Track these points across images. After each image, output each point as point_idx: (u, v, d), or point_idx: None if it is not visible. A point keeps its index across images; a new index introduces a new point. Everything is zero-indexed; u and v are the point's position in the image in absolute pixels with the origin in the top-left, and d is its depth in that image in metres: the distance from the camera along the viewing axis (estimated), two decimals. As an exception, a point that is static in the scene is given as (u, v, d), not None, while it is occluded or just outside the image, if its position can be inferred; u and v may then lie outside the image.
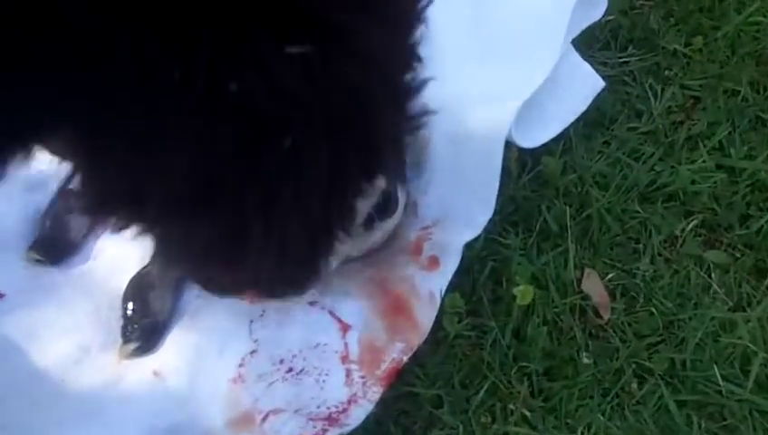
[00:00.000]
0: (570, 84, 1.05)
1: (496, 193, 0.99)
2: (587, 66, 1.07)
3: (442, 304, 0.95)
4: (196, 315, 0.97)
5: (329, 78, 0.52)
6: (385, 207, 0.94)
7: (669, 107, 1.10)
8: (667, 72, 1.13)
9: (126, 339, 0.95)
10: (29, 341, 0.96)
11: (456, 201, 1.01)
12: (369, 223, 0.92)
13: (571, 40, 1.08)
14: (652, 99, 1.10)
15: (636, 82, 1.12)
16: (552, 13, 1.06)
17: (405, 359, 0.92)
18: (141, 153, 0.52)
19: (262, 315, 0.96)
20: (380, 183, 0.93)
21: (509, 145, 1.02)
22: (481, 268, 0.98)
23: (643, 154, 1.06)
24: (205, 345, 0.95)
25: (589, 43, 1.13)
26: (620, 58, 1.13)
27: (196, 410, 0.91)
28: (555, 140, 1.05)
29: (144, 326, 0.96)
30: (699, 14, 1.16)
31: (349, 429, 0.89)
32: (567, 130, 1.06)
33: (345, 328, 0.95)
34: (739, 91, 1.10)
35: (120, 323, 0.96)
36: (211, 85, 0.49)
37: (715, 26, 1.15)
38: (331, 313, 0.96)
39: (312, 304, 0.97)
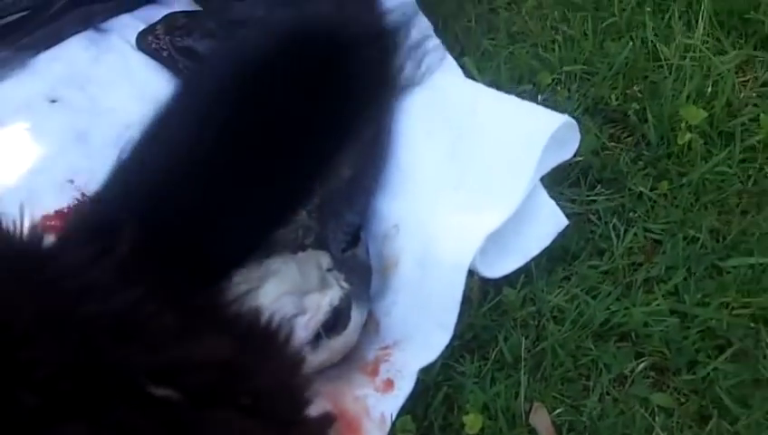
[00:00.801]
0: (534, 220, 1.10)
1: (455, 319, 1.04)
2: (552, 204, 1.12)
3: (393, 427, 0.98)
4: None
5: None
6: (334, 324, 0.98)
7: (631, 248, 1.15)
8: (631, 214, 1.18)
9: None
10: None
11: (416, 324, 1.06)
12: (316, 341, 0.96)
13: (540, 177, 1.13)
14: (614, 239, 1.15)
15: (600, 221, 1.17)
16: (523, 150, 1.11)
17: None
18: None
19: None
20: (328, 300, 0.97)
21: (471, 273, 1.06)
22: (435, 393, 1.02)
23: (600, 292, 1.10)
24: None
25: (559, 180, 1.19)
26: (588, 196, 1.19)
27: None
28: (517, 272, 1.10)
29: None
30: (667, 159, 1.22)
31: None
32: (529, 262, 1.11)
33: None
34: (699, 238, 1.15)
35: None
36: None
37: (682, 172, 1.21)
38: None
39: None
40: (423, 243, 1.10)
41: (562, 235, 1.13)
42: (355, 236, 1.08)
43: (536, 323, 1.08)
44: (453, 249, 1.07)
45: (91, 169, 1.14)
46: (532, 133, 1.12)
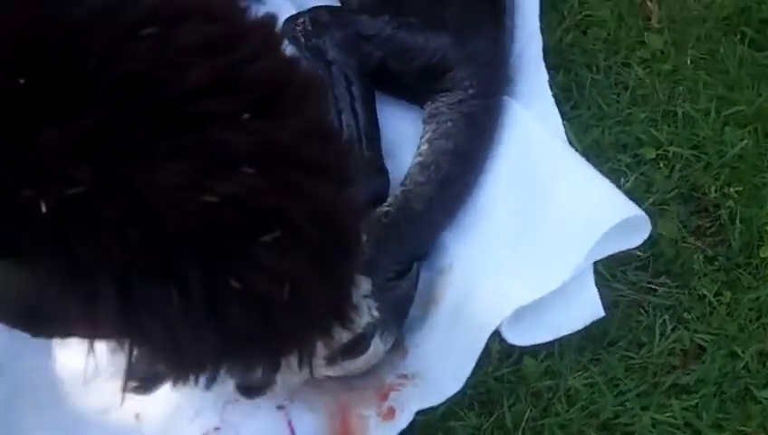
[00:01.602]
0: (572, 302, 1.13)
1: (468, 374, 1.09)
2: (594, 292, 1.13)
3: (380, 458, 1.07)
4: (189, 379, 1.14)
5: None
6: (351, 349, 1.06)
7: (672, 348, 1.15)
8: (685, 314, 1.17)
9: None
10: (61, 348, 1.16)
11: (434, 366, 1.12)
12: (332, 359, 1.04)
13: (593, 261, 1.15)
14: (658, 336, 1.15)
15: (651, 313, 1.17)
16: (585, 231, 1.13)
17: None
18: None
19: (237, 401, 1.11)
20: (351, 329, 1.05)
21: (497, 332, 1.11)
22: (430, 434, 1.09)
23: (621, 386, 1.12)
24: (184, 406, 1.12)
25: (626, 259, 1.20)
26: (649, 284, 1.19)
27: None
28: (546, 343, 1.13)
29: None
30: (742, 269, 1.20)
31: None
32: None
33: (294, 443, 1.09)
34: (743, 358, 1.14)
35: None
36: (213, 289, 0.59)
37: (752, 287, 1.18)
38: (290, 423, 1.10)
39: (279, 407, 1.11)
40: (466, 291, 1.15)
41: (607, 317, 1.15)
42: (407, 267, 1.15)
43: (548, 397, 1.11)
44: (486, 308, 1.12)
45: None
46: (599, 217, 1.13)
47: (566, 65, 1.35)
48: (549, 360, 1.13)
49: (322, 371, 1.06)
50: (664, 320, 1.17)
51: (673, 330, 1.16)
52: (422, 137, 1.23)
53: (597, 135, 1.28)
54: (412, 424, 1.08)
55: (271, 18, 0.64)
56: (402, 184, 1.20)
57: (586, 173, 1.19)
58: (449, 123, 1.22)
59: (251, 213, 0.57)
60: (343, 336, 1.05)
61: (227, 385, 1.10)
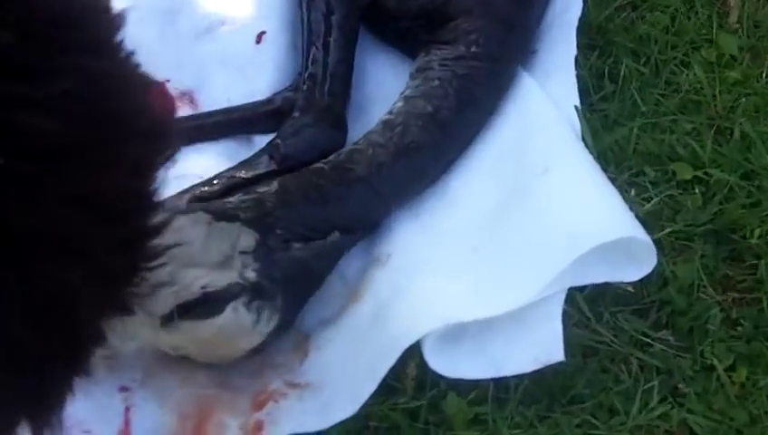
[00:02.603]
0: (527, 333, 0.84)
1: (366, 397, 0.82)
2: (557, 328, 0.84)
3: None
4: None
5: None
6: (192, 309, 0.80)
7: (655, 426, 0.86)
8: (680, 386, 0.87)
9: None
10: None
11: (332, 378, 0.85)
12: (168, 319, 0.79)
13: (571, 286, 0.86)
14: (637, 404, 0.86)
15: (636, 375, 0.87)
16: (567, 245, 0.85)
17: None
18: None
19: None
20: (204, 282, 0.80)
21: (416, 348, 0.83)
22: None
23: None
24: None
25: (622, 300, 0.90)
26: (644, 337, 0.89)
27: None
28: (484, 381, 0.85)
29: None
30: (766, 341, 0.89)
31: None
32: (505, 377, 0.85)
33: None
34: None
35: None
36: None
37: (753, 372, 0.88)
38: (127, 410, 0.85)
39: (122, 389, 0.85)
40: (395, 290, 0.88)
41: (575, 367, 0.86)
42: (322, 236, 0.88)
43: (470, 451, 0.83)
44: (412, 314, 0.85)
45: None
46: (589, 229, 0.85)
47: (607, 48, 1.07)
48: (482, 405, 0.85)
49: (164, 337, 0.81)
50: (652, 386, 0.87)
51: (661, 402, 0.86)
52: (401, 93, 0.96)
53: (622, 136, 0.99)
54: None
55: None
56: (354, 142, 0.94)
57: (589, 175, 0.90)
58: (435, 82, 0.95)
59: None
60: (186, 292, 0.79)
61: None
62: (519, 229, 0.88)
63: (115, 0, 1.07)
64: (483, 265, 0.87)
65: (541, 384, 0.86)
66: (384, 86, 1.02)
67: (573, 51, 1.02)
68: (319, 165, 0.90)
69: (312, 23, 0.99)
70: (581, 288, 0.88)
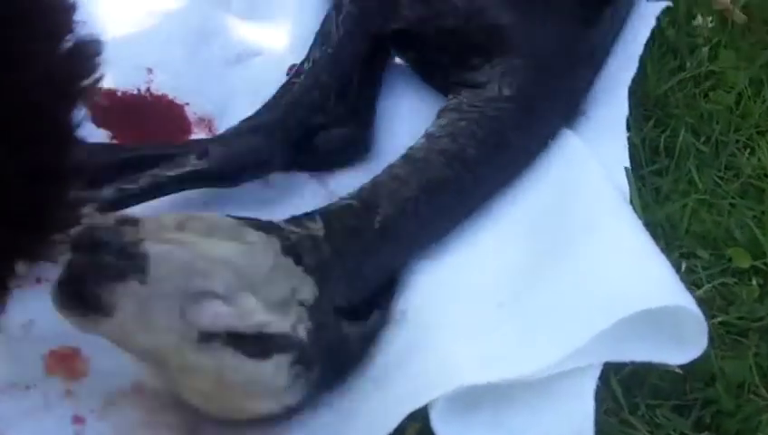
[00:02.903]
0: (553, 410, 0.71)
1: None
2: (589, 406, 0.72)
3: None
4: None
5: None
6: (246, 339, 0.68)
7: None
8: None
9: None
10: None
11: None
12: (208, 339, 0.67)
13: (611, 359, 0.74)
14: None
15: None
16: (607, 303, 0.73)
17: None
18: None
19: (27, 388, 0.74)
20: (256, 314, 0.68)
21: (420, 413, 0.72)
22: None
23: None
24: None
25: (663, 393, 0.79)
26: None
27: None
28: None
29: None
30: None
31: None
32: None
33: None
34: None
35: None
36: None
37: None
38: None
39: (76, 419, 0.74)
40: (406, 351, 0.77)
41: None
42: (362, 306, 0.77)
43: None
44: (422, 376, 0.73)
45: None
46: (633, 293, 0.73)
47: (664, 120, 0.98)
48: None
49: (191, 355, 0.68)
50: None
51: None
52: (426, 131, 0.87)
53: (675, 211, 0.89)
54: None
55: None
56: (376, 175, 0.84)
57: (637, 239, 0.79)
58: (463, 122, 0.86)
59: None
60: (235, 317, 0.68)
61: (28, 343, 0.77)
62: (553, 287, 0.77)
63: (145, 18, 0.97)
64: (508, 323, 0.76)
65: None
66: (419, 112, 0.93)
67: (625, 111, 0.93)
68: (348, 201, 0.80)
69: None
70: (617, 369, 0.76)
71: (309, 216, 0.78)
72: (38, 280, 0.80)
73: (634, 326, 0.73)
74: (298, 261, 0.72)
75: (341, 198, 0.82)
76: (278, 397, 0.71)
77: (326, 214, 0.78)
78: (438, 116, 0.88)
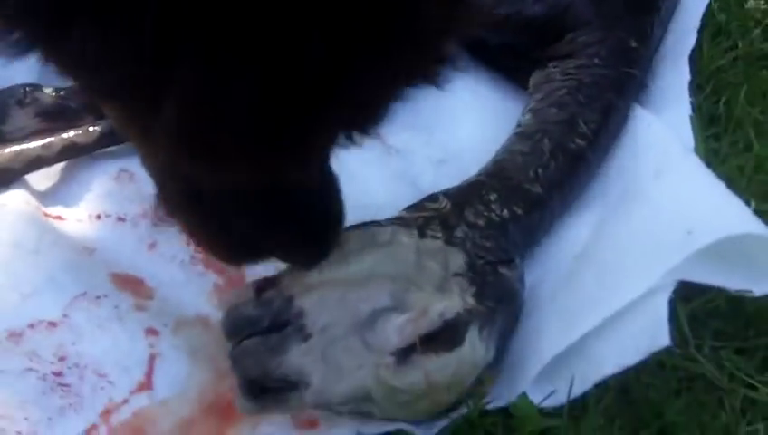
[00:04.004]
0: (626, 327, 0.72)
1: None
2: (663, 313, 0.71)
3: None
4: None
5: None
6: (437, 339, 0.67)
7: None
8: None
9: None
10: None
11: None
12: (405, 354, 0.66)
13: (688, 278, 0.74)
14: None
15: (735, 413, 0.75)
16: (678, 238, 0.74)
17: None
18: None
19: (98, 298, 0.76)
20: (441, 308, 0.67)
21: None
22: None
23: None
24: (24, 274, 0.77)
25: (729, 336, 0.79)
26: (750, 377, 0.77)
27: None
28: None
29: None
30: None
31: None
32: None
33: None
34: None
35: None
36: None
37: None
38: (152, 358, 0.73)
39: (149, 332, 0.74)
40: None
41: (672, 394, 0.74)
42: (505, 259, 0.76)
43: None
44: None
45: None
46: (707, 227, 0.74)
47: (719, 91, 0.99)
48: (555, 417, 0.72)
49: (387, 374, 0.66)
50: (755, 429, 0.74)
51: None
52: (524, 109, 0.88)
53: (734, 167, 0.90)
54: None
55: None
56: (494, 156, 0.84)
57: (706, 178, 0.80)
58: (563, 90, 0.87)
59: None
60: (425, 321, 0.67)
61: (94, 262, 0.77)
62: (625, 231, 0.78)
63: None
64: (585, 272, 0.77)
65: (625, 405, 0.74)
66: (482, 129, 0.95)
67: (687, 78, 0.94)
68: (479, 177, 0.80)
69: None
70: (686, 300, 0.77)
71: (428, 198, 0.76)
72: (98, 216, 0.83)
73: (710, 259, 0.73)
74: (434, 238, 0.72)
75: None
76: (480, 366, 0.70)
77: (449, 192, 0.77)
78: (533, 92, 0.89)
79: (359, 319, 0.65)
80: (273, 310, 0.65)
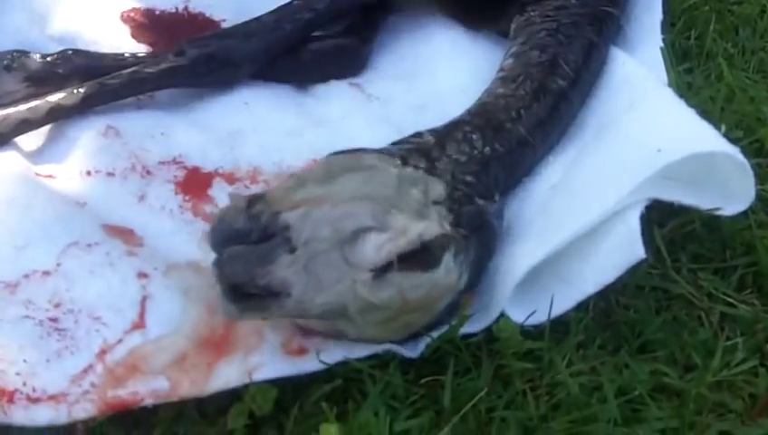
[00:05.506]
0: (601, 246, 0.74)
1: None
2: (635, 227, 0.74)
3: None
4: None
5: None
6: (414, 258, 0.69)
7: (735, 382, 0.74)
8: (767, 349, 0.77)
9: None
10: None
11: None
12: (382, 272, 0.67)
13: (658, 197, 0.76)
14: (719, 360, 0.75)
15: (715, 327, 0.77)
16: (646, 155, 0.76)
17: (147, 402, 0.69)
18: None
19: (88, 246, 0.78)
20: (420, 228, 0.69)
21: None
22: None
23: (642, 410, 0.72)
24: (17, 227, 0.79)
25: (703, 256, 0.81)
26: (726, 295, 0.80)
27: None
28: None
29: None
30: None
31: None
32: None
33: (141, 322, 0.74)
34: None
35: None
36: None
37: None
38: (143, 300, 0.75)
39: (141, 275, 0.76)
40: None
41: (651, 314, 0.77)
42: (484, 193, 0.77)
43: (521, 387, 0.73)
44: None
45: None
46: (677, 146, 0.76)
47: (691, 26, 1.02)
48: (537, 340, 0.75)
49: (364, 290, 0.68)
50: (735, 344, 0.76)
51: (744, 361, 0.75)
52: (505, 53, 0.90)
53: (707, 98, 0.92)
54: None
55: None
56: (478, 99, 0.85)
57: (678, 106, 0.82)
58: (543, 33, 0.88)
59: None
60: (403, 240, 0.69)
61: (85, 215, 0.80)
62: (598, 158, 0.80)
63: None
64: (558, 197, 0.79)
65: (606, 325, 0.76)
66: (441, 50, 0.98)
67: (659, 14, 0.96)
68: (462, 117, 0.82)
69: None
70: (662, 225, 0.79)
71: (413, 135, 0.79)
72: (89, 173, 0.85)
73: (681, 176, 0.75)
74: (416, 167, 0.74)
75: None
76: (453, 290, 0.72)
77: (434, 130, 0.79)
78: (513, 37, 0.91)
79: (341, 236, 0.67)
80: (261, 224, 0.67)
